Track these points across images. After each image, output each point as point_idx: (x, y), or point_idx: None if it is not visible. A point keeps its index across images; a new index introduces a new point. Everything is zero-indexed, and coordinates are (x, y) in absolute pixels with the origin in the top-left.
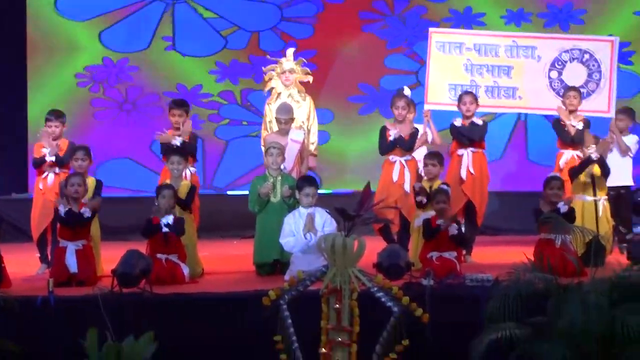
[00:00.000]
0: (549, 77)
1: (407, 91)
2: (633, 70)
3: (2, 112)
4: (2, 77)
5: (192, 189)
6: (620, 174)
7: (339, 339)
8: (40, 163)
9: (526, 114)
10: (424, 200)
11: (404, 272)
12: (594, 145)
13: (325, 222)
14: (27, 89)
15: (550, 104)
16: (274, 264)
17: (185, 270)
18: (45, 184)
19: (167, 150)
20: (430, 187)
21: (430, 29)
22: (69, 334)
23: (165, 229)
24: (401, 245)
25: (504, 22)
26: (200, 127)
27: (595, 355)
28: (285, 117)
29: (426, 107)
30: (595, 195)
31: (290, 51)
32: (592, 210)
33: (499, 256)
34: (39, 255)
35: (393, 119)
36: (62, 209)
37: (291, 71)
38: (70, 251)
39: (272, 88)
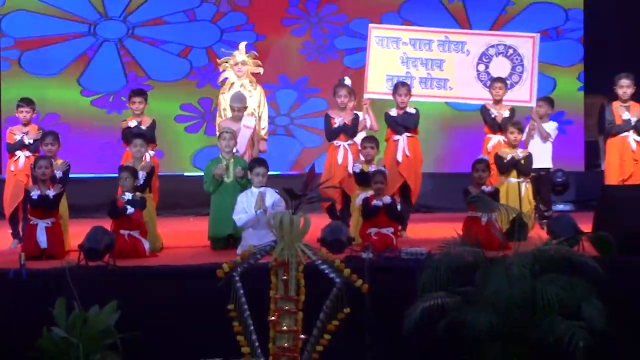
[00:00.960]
0: (477, 70)
1: (347, 81)
2: None
3: None
4: None
5: (151, 171)
6: (541, 158)
7: (287, 307)
8: (15, 148)
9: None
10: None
11: (345, 247)
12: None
13: (274, 201)
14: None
15: (477, 94)
16: (227, 238)
17: (146, 245)
18: (17, 166)
19: (129, 134)
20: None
21: (370, 25)
22: (39, 304)
23: (130, 209)
24: (343, 222)
25: None
26: None
27: (518, 321)
28: (239, 105)
29: (365, 96)
30: (518, 177)
31: (242, 45)
32: (516, 191)
33: (431, 232)
34: (11, 231)
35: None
36: (35, 194)
37: (243, 63)
38: (40, 228)
39: (226, 78)
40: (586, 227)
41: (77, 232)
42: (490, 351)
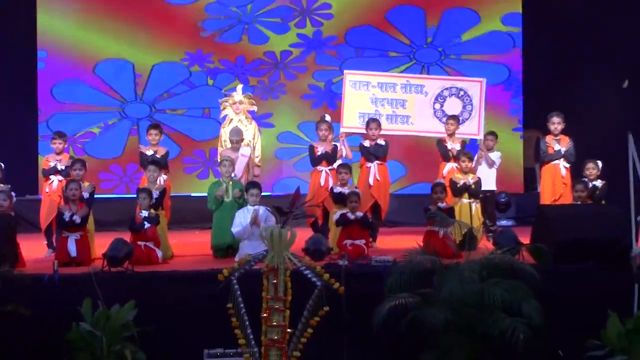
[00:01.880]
0: (434, 108)
1: (328, 118)
2: None
3: (13, 125)
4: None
5: (163, 191)
6: (487, 181)
7: (276, 306)
8: (49, 173)
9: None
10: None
11: (325, 255)
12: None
13: (266, 217)
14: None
15: (434, 128)
16: (227, 248)
17: (159, 254)
18: (51, 188)
19: (144, 161)
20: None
21: (345, 71)
22: (69, 303)
23: (147, 225)
24: (323, 235)
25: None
26: None
27: (469, 317)
28: (237, 138)
29: (342, 130)
30: (470, 198)
31: (239, 87)
32: (468, 209)
33: (397, 243)
34: (46, 242)
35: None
36: (67, 215)
37: (240, 102)
38: (71, 240)
39: (226, 115)
40: (525, 239)
41: (101, 243)
42: (445, 342)
